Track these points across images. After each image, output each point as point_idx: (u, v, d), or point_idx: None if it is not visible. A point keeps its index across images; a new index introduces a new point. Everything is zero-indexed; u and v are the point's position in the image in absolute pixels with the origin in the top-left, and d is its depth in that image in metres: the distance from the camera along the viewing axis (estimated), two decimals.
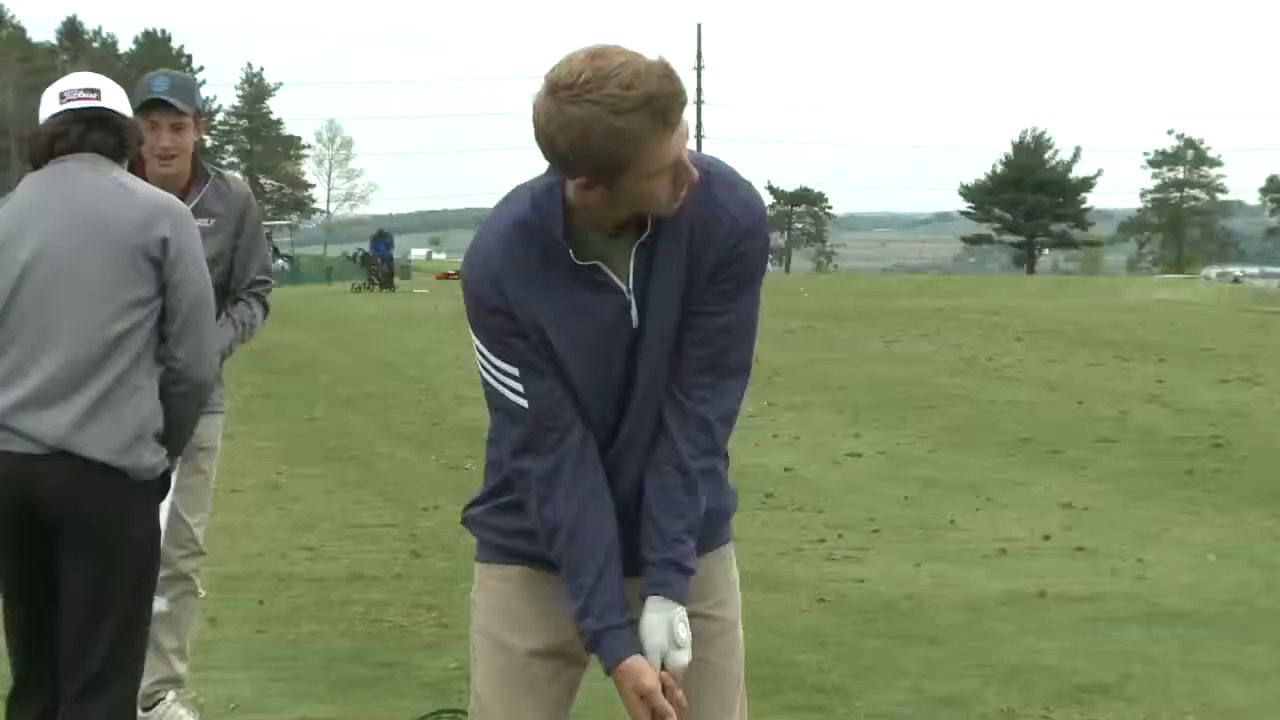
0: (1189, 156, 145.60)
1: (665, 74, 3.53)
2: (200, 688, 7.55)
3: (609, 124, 3.50)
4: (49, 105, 5.36)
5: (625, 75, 3.49)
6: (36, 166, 5.32)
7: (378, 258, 62.42)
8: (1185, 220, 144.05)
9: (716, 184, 3.76)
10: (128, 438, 5.02)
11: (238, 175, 6.96)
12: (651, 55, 3.56)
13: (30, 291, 5.08)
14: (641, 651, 3.76)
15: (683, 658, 3.79)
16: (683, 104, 3.57)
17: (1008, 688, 7.82)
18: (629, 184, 3.59)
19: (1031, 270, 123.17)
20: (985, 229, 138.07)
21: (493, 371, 3.80)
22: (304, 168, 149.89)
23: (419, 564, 10.67)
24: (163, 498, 5.24)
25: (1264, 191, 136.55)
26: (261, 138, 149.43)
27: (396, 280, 63.62)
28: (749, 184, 3.83)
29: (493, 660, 3.99)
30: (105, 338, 5.04)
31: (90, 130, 5.28)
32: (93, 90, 5.36)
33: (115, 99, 5.40)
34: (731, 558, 4.09)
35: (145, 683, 6.91)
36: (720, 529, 4.02)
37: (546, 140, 3.57)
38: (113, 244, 5.11)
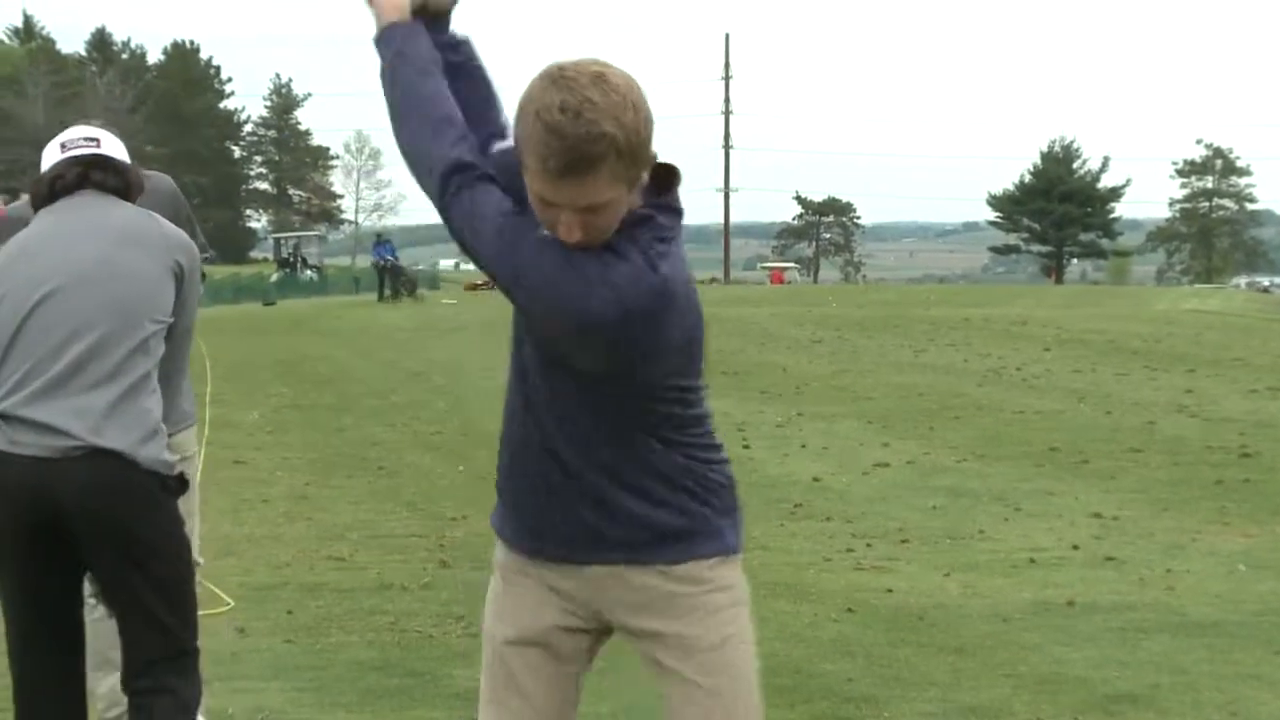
0: (1218, 166, 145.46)
1: (589, 136, 3.47)
2: (229, 698, 7.57)
3: (528, 111, 3.52)
4: (50, 156, 5.50)
5: (575, 102, 3.47)
6: (37, 210, 5.43)
7: (386, 260, 61.88)
8: (1214, 230, 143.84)
9: None
10: (146, 433, 5.07)
11: (159, 171, 7.10)
12: (622, 125, 3.50)
13: (65, 294, 5.13)
14: None
15: None
16: (570, 167, 3.49)
17: (1037, 698, 7.81)
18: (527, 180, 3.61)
19: (1060, 280, 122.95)
20: (1013, 239, 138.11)
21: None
22: (332, 178, 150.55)
23: (447, 574, 10.68)
24: (181, 494, 5.27)
25: None
26: (290, 149, 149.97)
27: (421, 292, 63.45)
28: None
29: (484, 649, 4.03)
30: (135, 340, 5.11)
31: (90, 170, 5.41)
32: (92, 139, 5.54)
33: (115, 148, 5.54)
34: (712, 580, 3.98)
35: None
36: (679, 542, 3.95)
37: None
38: (150, 252, 5.26)
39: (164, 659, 5.21)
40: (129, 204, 5.45)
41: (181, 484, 5.24)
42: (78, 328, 5.08)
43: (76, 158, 5.46)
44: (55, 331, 5.08)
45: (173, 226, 5.50)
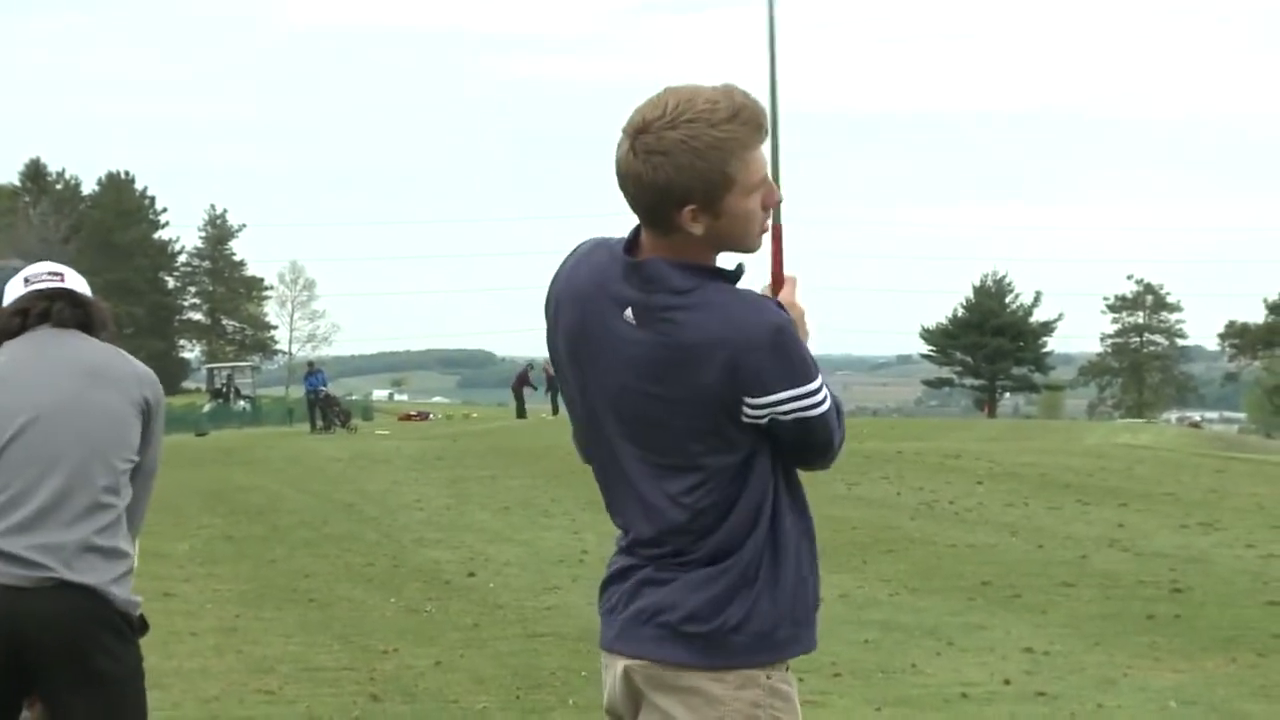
0: (1148, 301, 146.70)
1: (740, 91, 3.76)
2: None
3: (710, 135, 3.69)
4: (14, 290, 5.50)
5: (708, 94, 3.72)
6: (3, 343, 5.43)
7: (319, 391, 61.43)
8: (1145, 365, 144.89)
9: None
10: (120, 573, 5.11)
11: None
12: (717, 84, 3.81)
13: (39, 428, 5.14)
14: None
15: None
16: (764, 115, 3.78)
17: None
18: (732, 203, 3.74)
19: (993, 413, 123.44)
20: (946, 372, 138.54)
21: None
22: (266, 309, 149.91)
23: (378, 708, 10.61)
24: (143, 635, 5.31)
25: (1223, 337, 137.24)
26: (224, 279, 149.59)
27: (355, 422, 63.10)
28: None
29: None
30: (109, 480, 5.14)
31: (54, 302, 5.41)
32: (56, 274, 5.54)
33: (78, 282, 5.55)
34: (700, 694, 4.06)
35: None
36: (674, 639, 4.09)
37: (649, 174, 3.71)
38: (118, 390, 5.27)
39: None
40: (95, 340, 5.45)
41: (144, 625, 5.28)
42: (54, 463, 5.11)
43: (41, 291, 5.46)
44: (34, 465, 5.10)
45: (139, 363, 5.51)
